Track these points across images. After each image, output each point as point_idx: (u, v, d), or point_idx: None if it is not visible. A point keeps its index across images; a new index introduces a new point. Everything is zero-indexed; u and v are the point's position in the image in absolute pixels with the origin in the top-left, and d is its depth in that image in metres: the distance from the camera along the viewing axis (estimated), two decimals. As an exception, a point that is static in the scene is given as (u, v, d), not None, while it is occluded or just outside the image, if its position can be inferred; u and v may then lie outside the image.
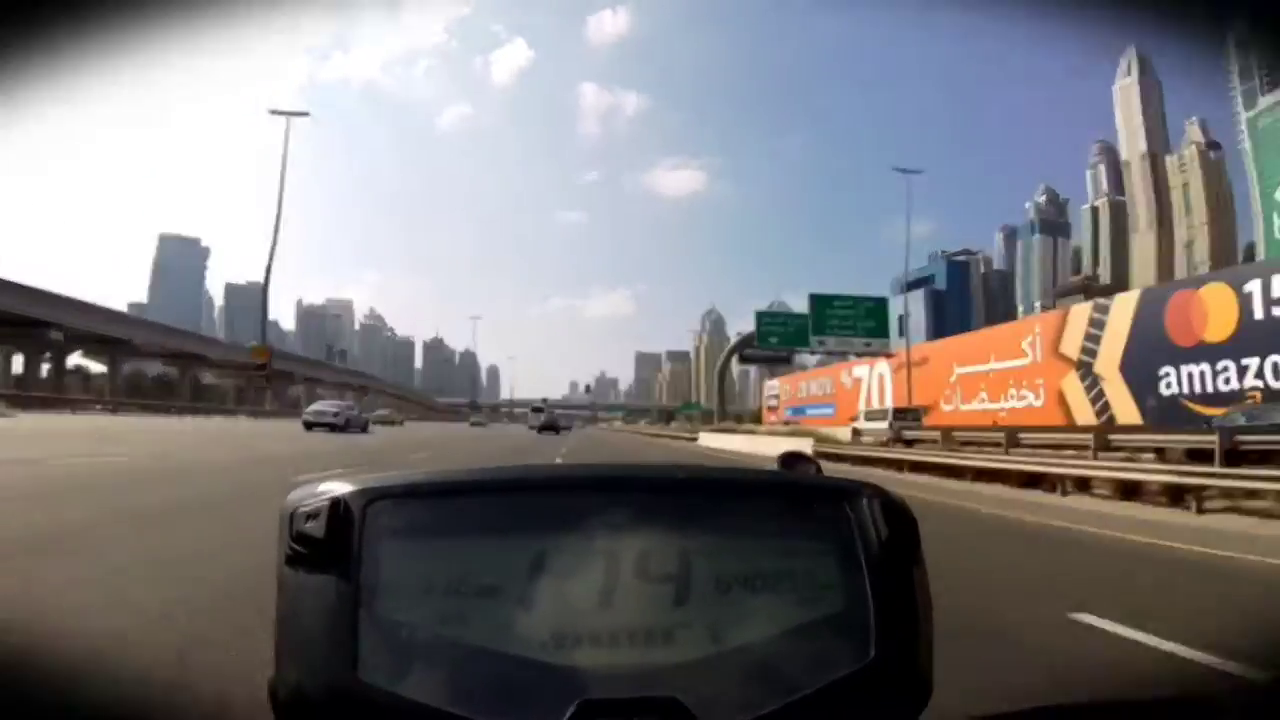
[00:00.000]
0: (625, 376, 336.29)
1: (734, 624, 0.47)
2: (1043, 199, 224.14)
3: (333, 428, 23.76)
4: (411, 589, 0.45)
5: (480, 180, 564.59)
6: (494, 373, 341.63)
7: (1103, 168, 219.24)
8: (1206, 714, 0.52)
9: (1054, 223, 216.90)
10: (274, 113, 44.08)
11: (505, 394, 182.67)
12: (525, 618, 0.45)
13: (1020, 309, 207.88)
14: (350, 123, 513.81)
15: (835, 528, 0.50)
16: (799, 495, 0.54)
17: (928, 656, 0.49)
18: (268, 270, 46.63)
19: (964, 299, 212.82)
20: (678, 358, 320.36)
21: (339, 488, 0.48)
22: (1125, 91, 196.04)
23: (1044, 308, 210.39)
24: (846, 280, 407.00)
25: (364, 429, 27.06)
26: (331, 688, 0.43)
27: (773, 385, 61.34)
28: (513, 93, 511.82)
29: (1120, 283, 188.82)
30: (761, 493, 0.54)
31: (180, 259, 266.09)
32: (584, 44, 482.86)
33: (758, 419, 63.53)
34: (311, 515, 0.46)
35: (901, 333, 36.89)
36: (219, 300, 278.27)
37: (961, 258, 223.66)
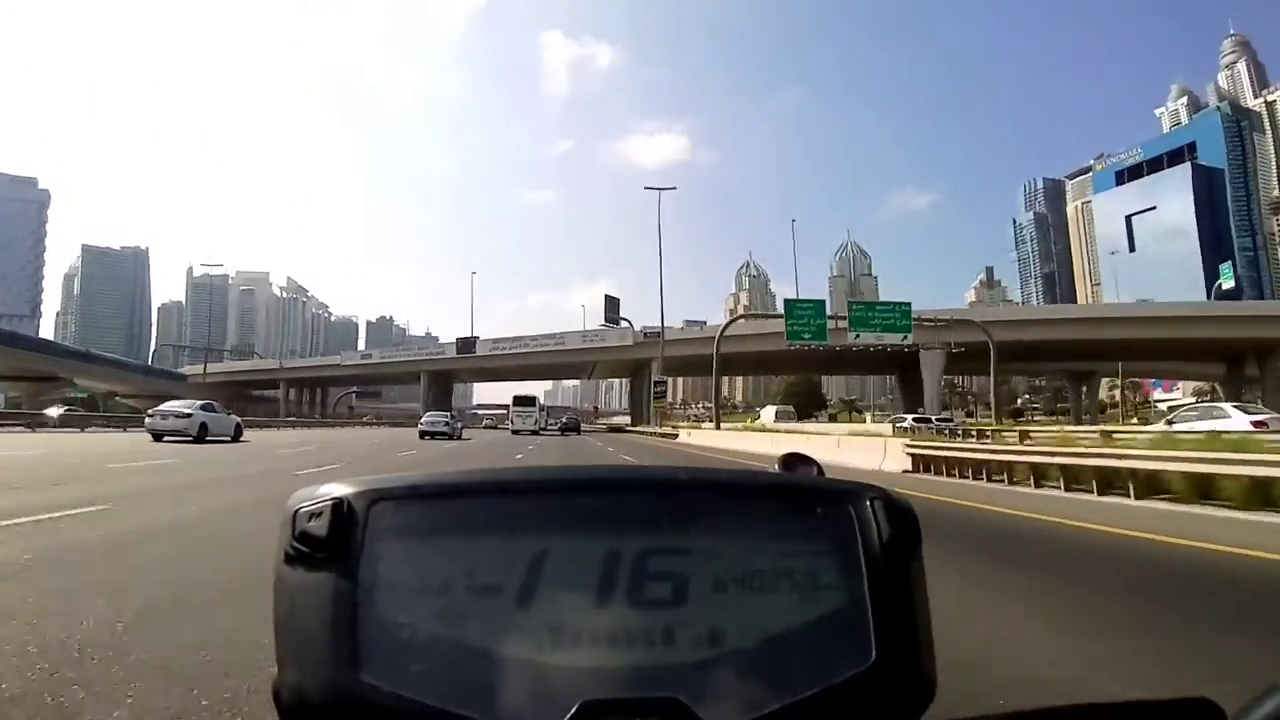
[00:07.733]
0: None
1: (735, 625, 0.46)
2: (1180, 102, 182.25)
3: (446, 436, 30.68)
4: (414, 589, 0.45)
5: (437, 154, 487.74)
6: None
7: (1241, 65, 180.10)
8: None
9: (1245, 111, 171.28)
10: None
11: (476, 398, 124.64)
12: (527, 618, 0.44)
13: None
14: (289, 83, 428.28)
15: (836, 528, 0.49)
16: (799, 496, 0.53)
17: (929, 658, 0.48)
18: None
19: (1244, 177, 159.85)
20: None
21: (341, 488, 0.47)
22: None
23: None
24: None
25: (460, 436, 33.28)
26: (334, 688, 0.43)
27: None
28: (464, 43, 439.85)
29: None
30: (762, 494, 0.53)
31: (8, 205, 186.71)
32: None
33: None
34: (314, 515, 0.46)
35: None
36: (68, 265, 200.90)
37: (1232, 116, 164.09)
